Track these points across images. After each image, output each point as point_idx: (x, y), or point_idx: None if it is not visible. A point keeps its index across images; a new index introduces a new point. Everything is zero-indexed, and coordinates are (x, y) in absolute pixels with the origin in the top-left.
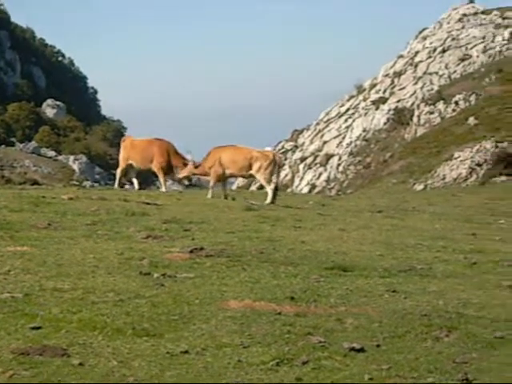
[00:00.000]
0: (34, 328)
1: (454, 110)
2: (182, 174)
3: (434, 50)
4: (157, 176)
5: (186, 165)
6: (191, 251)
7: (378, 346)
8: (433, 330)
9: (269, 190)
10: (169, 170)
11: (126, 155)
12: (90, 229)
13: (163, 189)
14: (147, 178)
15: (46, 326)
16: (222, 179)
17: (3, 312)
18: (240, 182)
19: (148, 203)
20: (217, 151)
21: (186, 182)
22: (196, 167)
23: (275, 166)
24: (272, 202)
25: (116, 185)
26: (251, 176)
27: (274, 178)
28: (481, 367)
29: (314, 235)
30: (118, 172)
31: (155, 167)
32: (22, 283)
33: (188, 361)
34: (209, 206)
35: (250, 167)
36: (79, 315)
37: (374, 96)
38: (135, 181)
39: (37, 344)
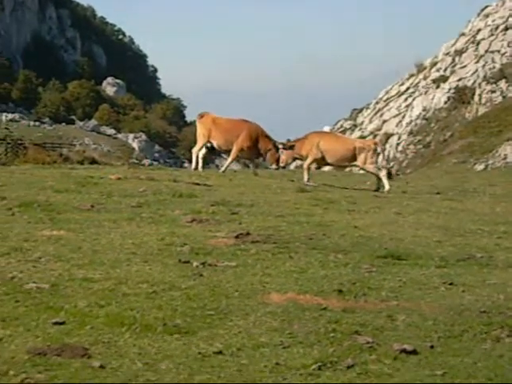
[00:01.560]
0: (56, 323)
1: None
2: (283, 158)
3: (497, 27)
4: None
5: (276, 147)
6: (237, 236)
7: (431, 347)
8: (493, 329)
9: (382, 177)
10: (256, 153)
11: (206, 133)
12: (135, 211)
13: (223, 169)
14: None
15: (69, 322)
16: (320, 165)
17: (25, 305)
18: (299, 161)
19: (198, 184)
20: (316, 136)
21: (282, 165)
22: (289, 148)
23: (378, 153)
24: (377, 188)
25: (194, 165)
26: (351, 166)
27: (381, 165)
28: None
29: (368, 219)
30: (195, 151)
31: (236, 147)
32: (50, 272)
33: (221, 363)
34: (261, 187)
35: (353, 159)
36: (107, 309)
37: (434, 74)
38: (200, 161)
39: (57, 342)
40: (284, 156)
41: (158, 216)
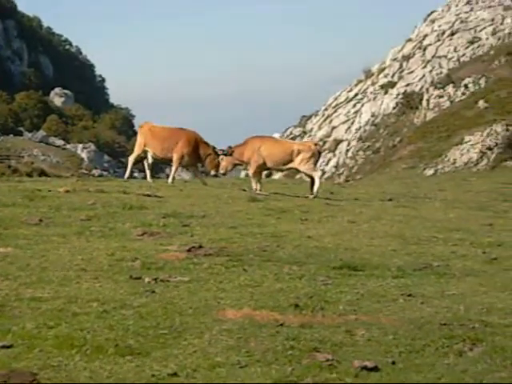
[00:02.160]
0: (3, 347)
1: (463, 94)
2: (223, 164)
3: (443, 33)
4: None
5: (216, 153)
6: (189, 250)
7: (393, 363)
8: (455, 342)
9: (316, 180)
10: (196, 160)
11: (142, 141)
12: (84, 225)
13: (170, 180)
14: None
15: (17, 345)
16: (262, 170)
17: None
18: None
19: (148, 195)
20: (256, 141)
21: (222, 172)
22: (229, 154)
23: (316, 156)
24: (313, 193)
25: (127, 174)
26: (289, 169)
27: (317, 167)
28: None
29: (321, 229)
30: (131, 160)
31: (176, 155)
32: None
33: None
34: (212, 197)
35: (290, 161)
36: (56, 330)
37: (382, 80)
38: (148, 171)
39: (4, 367)
40: (224, 162)
41: (107, 230)
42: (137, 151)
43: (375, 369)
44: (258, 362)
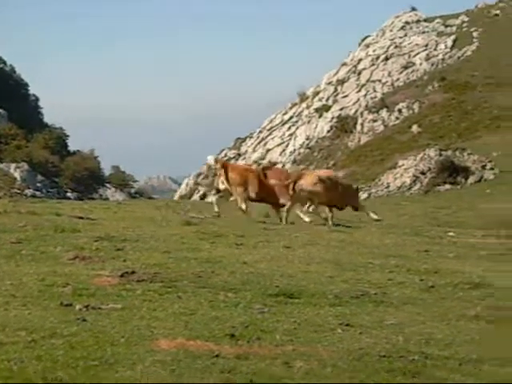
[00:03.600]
0: None
1: (397, 118)
2: None
3: (377, 57)
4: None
5: None
6: (122, 275)
7: None
8: (395, 375)
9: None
10: None
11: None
12: (14, 248)
13: None
14: (88, 186)
15: None
16: None
17: None
18: (183, 191)
19: (81, 217)
20: None
21: None
22: None
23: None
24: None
25: None
26: None
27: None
28: None
29: (256, 254)
30: None
31: None
32: None
33: None
34: (147, 220)
35: None
36: None
37: (317, 104)
38: None
39: None
40: None
41: (38, 253)
42: None
43: None
44: None
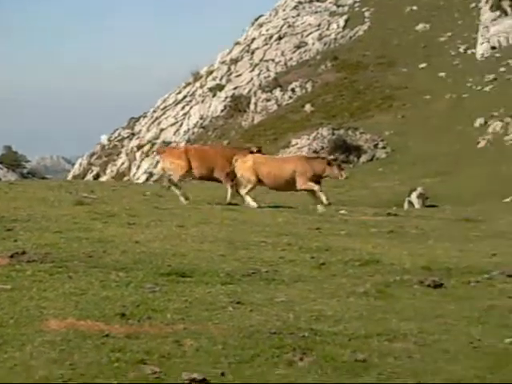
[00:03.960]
0: None
1: (290, 97)
2: None
3: (271, 37)
4: None
5: None
6: (11, 256)
7: (222, 374)
8: (285, 351)
9: None
10: None
11: None
12: None
13: None
14: None
15: None
16: None
17: None
18: (76, 171)
19: None
20: None
21: None
22: None
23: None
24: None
25: None
26: None
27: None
28: None
29: (149, 234)
30: None
31: None
32: None
33: None
34: (38, 200)
35: None
36: None
37: (210, 83)
38: None
39: None
40: None
41: None
42: None
43: (203, 381)
44: (82, 375)
